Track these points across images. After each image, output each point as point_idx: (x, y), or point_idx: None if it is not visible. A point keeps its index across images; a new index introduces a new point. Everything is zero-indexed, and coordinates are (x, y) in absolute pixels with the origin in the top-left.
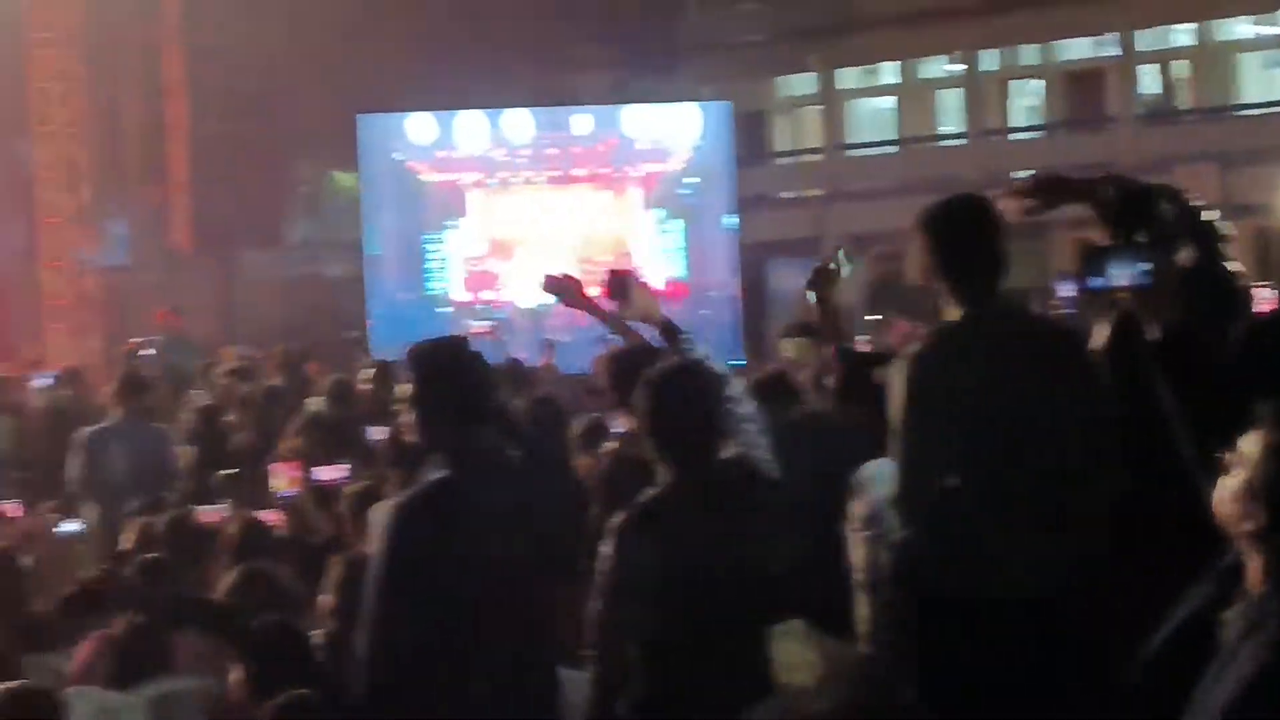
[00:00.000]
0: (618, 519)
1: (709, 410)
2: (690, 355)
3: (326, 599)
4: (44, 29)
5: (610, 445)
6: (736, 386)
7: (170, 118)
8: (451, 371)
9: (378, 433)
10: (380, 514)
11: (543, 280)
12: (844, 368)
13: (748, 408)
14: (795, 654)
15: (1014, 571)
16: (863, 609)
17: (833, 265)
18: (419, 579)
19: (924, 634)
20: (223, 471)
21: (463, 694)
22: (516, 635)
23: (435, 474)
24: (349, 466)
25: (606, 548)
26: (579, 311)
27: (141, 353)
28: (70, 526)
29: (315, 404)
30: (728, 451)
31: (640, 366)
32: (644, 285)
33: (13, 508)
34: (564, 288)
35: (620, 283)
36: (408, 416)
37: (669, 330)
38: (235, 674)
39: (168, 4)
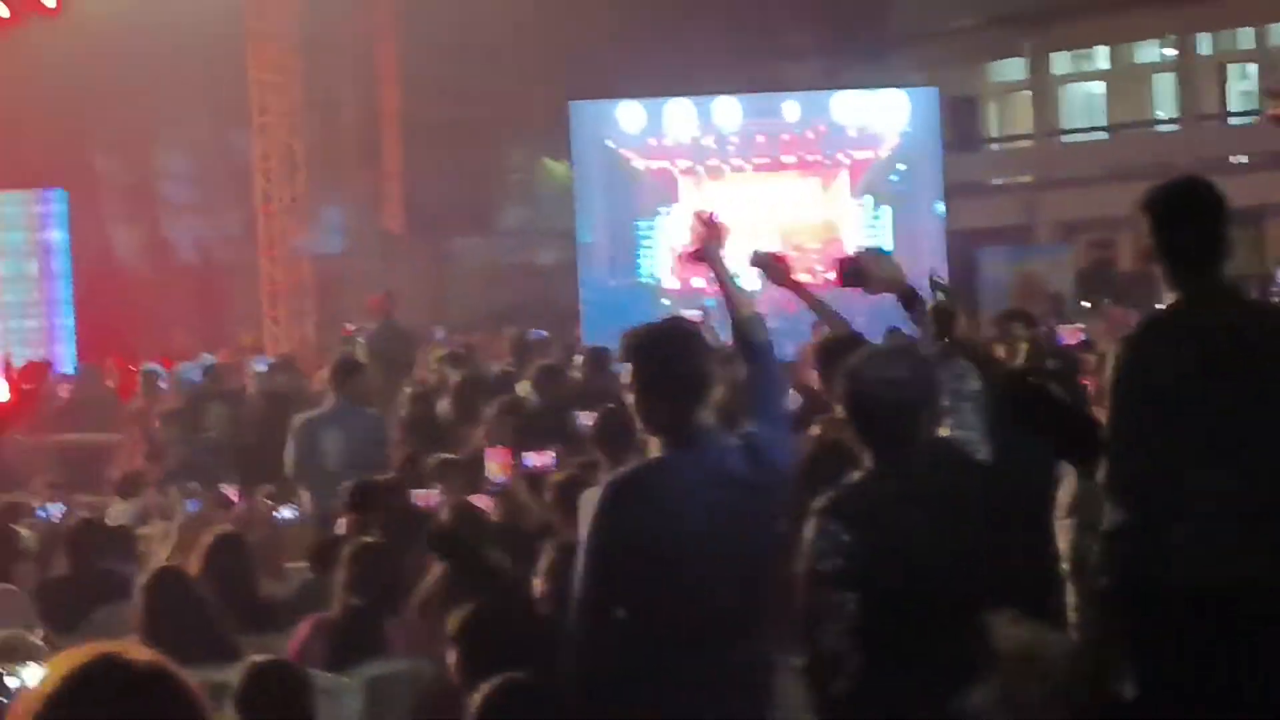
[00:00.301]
0: (818, 503)
1: (911, 396)
2: (928, 327)
3: (538, 584)
4: (261, 21)
5: (814, 430)
6: (961, 364)
7: (384, 106)
8: (668, 354)
9: (586, 418)
10: (592, 496)
11: (750, 255)
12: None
13: (971, 385)
14: (1007, 641)
15: (1240, 561)
16: (1071, 597)
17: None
18: (628, 559)
19: (1139, 623)
20: (436, 456)
21: (673, 677)
22: (728, 618)
23: (649, 455)
24: (556, 453)
25: (808, 532)
26: (787, 298)
27: (355, 338)
28: (287, 512)
29: (523, 390)
30: (938, 434)
31: (847, 353)
32: (878, 258)
33: (232, 492)
34: (771, 264)
35: (854, 269)
36: (628, 398)
37: (909, 297)
38: (452, 655)
39: None
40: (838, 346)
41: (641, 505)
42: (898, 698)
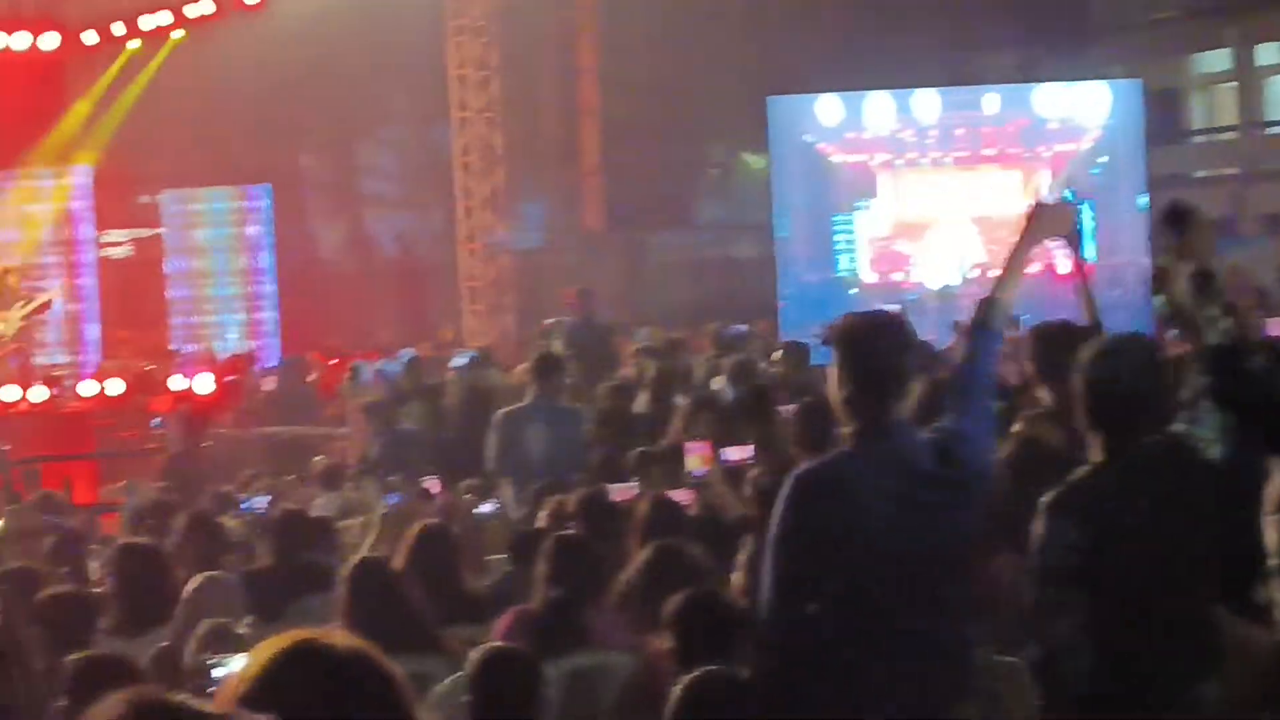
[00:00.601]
0: (1046, 499)
1: (1139, 390)
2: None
3: (738, 577)
4: (461, 17)
5: (1018, 427)
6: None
7: (583, 102)
8: (868, 345)
9: (785, 411)
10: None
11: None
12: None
13: (1202, 383)
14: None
15: None
16: (1278, 594)
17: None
18: (814, 552)
19: None
20: (636, 450)
21: (864, 668)
22: (916, 612)
23: (842, 448)
24: (754, 447)
25: (1037, 528)
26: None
27: (552, 333)
28: (487, 507)
29: (718, 384)
30: (1169, 429)
31: (1066, 344)
32: (1059, 204)
33: (433, 485)
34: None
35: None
36: (830, 390)
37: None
38: (658, 645)
39: None
40: (1056, 335)
41: (827, 498)
42: (1130, 692)
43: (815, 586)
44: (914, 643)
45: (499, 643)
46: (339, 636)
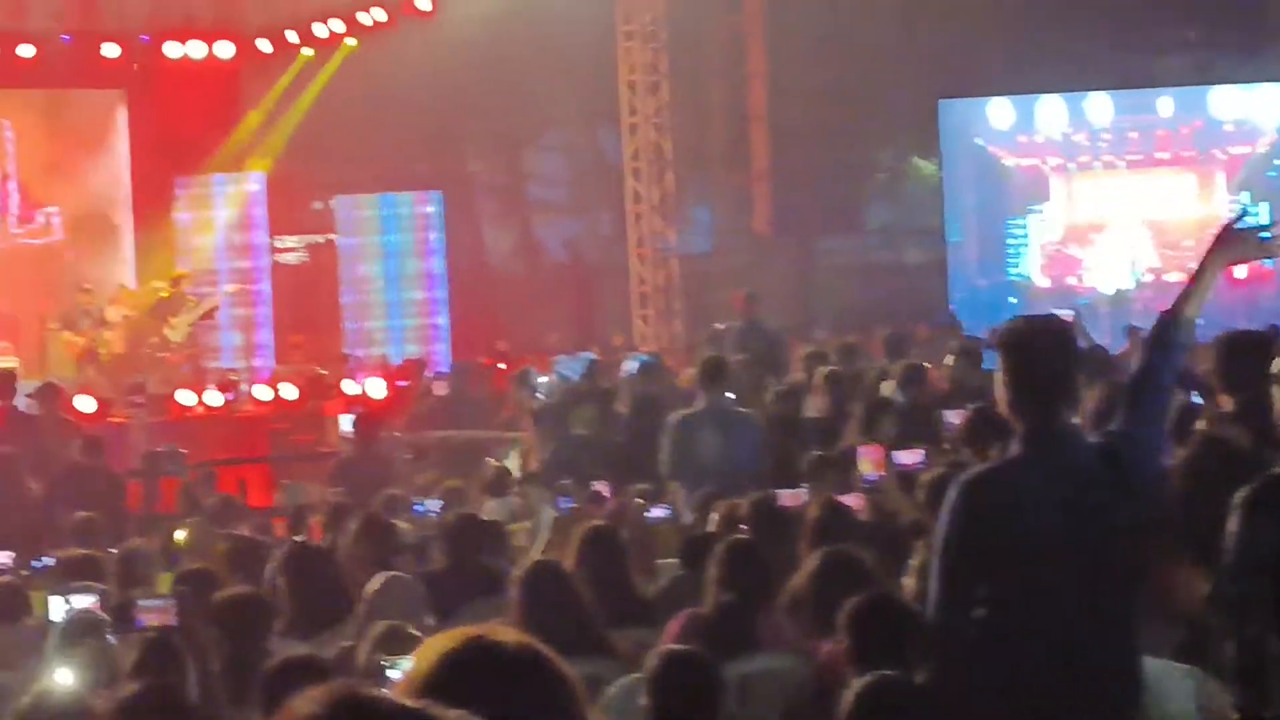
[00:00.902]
0: (1239, 496)
1: None
2: None
3: (909, 582)
4: (630, 23)
5: (1199, 427)
6: None
7: (752, 107)
8: (1034, 351)
9: (955, 416)
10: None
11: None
12: None
13: None
14: None
15: None
16: None
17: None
18: (980, 558)
19: None
20: (810, 454)
21: (1032, 675)
22: (1085, 616)
23: (1008, 453)
24: (925, 451)
25: (1230, 525)
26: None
27: (721, 338)
28: (658, 511)
29: (888, 389)
30: None
31: (1250, 352)
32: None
33: (603, 489)
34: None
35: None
36: (998, 395)
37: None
38: (828, 649)
39: None
40: (1240, 343)
41: (993, 504)
42: None
43: (981, 592)
44: (1081, 649)
45: (678, 645)
46: (508, 633)
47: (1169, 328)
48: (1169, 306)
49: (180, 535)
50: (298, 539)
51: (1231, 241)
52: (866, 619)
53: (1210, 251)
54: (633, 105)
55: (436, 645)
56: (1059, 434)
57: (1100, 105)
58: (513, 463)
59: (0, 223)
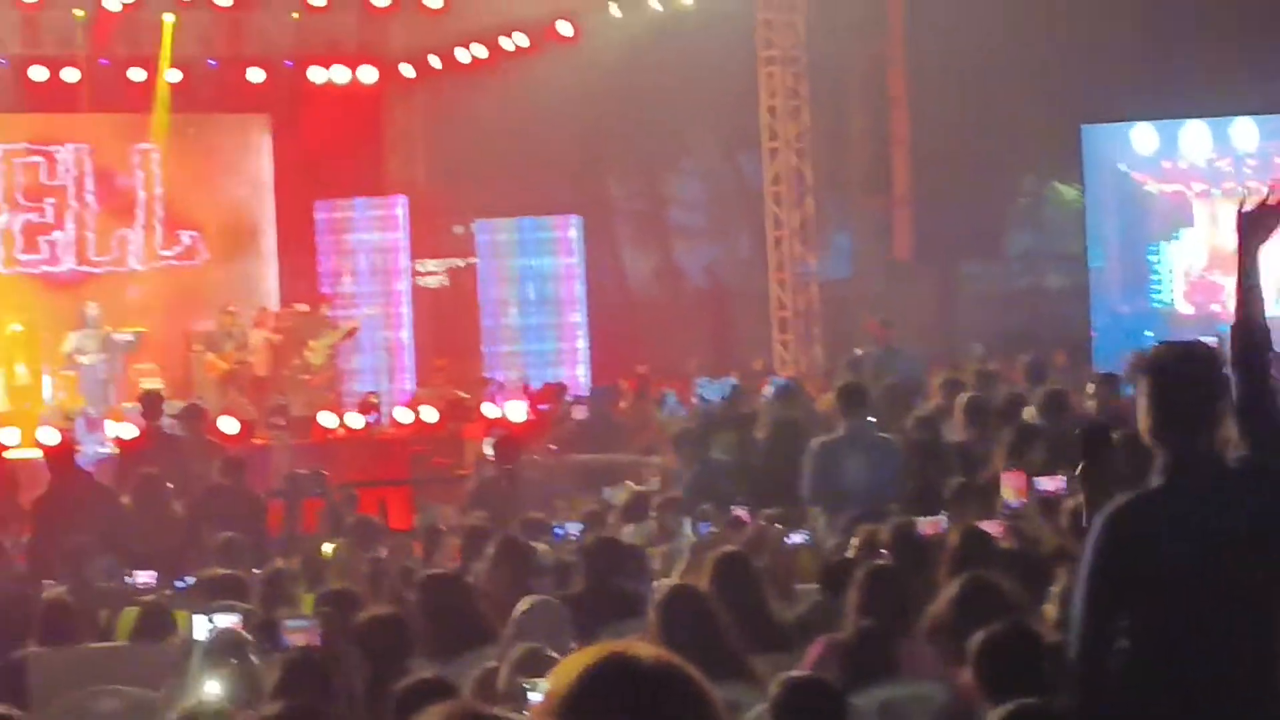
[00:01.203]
0: None
1: None
2: None
3: (1050, 609)
4: (772, 49)
5: None
6: None
7: (893, 131)
8: (1178, 377)
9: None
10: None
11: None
12: None
13: None
14: None
15: None
16: None
17: None
18: (1121, 587)
19: None
20: (953, 480)
21: (1172, 706)
22: (1235, 645)
23: (1152, 482)
24: (1066, 478)
25: None
26: None
27: (860, 364)
28: (797, 537)
29: (1029, 415)
30: None
31: None
32: None
33: (743, 513)
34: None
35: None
36: (1140, 422)
37: None
38: (968, 677)
39: (892, 19)
40: None
41: (1136, 534)
42: None
43: (1124, 622)
44: (1226, 679)
45: (803, 672)
46: (646, 649)
47: (1247, 336)
48: (1236, 319)
49: (327, 549)
50: (433, 565)
51: (1254, 225)
52: (994, 651)
53: (1240, 247)
54: (773, 130)
55: (575, 662)
56: (1202, 462)
57: (1245, 131)
58: (652, 487)
59: (146, 245)
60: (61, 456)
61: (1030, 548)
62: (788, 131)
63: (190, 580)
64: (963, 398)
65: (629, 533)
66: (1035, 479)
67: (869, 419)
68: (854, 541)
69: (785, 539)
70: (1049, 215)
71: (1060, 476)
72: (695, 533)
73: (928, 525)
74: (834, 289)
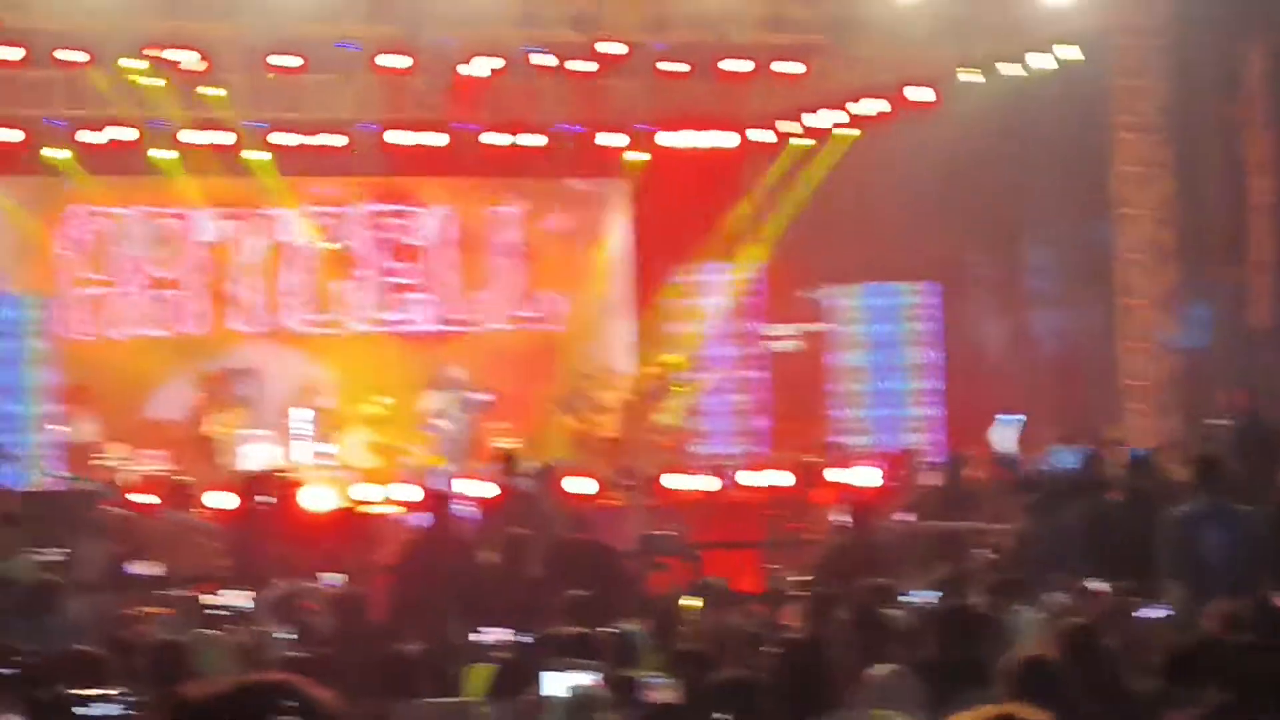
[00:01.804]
0: None
1: None
2: None
3: None
4: (1128, 113)
5: None
6: None
7: (1253, 196)
8: None
9: None
10: None
11: None
12: None
13: None
14: None
15: None
16: None
17: None
18: None
19: None
20: None
21: None
22: None
23: None
24: None
25: None
26: None
27: (1219, 434)
28: (1154, 611)
29: None
30: None
31: None
32: None
33: (1098, 585)
34: None
35: None
36: None
37: None
38: None
39: (1250, 83)
40: None
41: None
42: None
43: None
44: None
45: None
46: (1036, 714)
47: None
48: None
49: (689, 605)
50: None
51: None
52: None
53: None
54: (1127, 197)
55: None
56: None
57: None
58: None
59: (507, 306)
60: (438, 507)
61: None
62: (1144, 199)
63: (538, 636)
64: None
65: (978, 600)
66: None
67: (1225, 490)
68: (1210, 617)
69: (1139, 612)
70: None
71: None
72: (1044, 603)
73: None
74: (1190, 359)
